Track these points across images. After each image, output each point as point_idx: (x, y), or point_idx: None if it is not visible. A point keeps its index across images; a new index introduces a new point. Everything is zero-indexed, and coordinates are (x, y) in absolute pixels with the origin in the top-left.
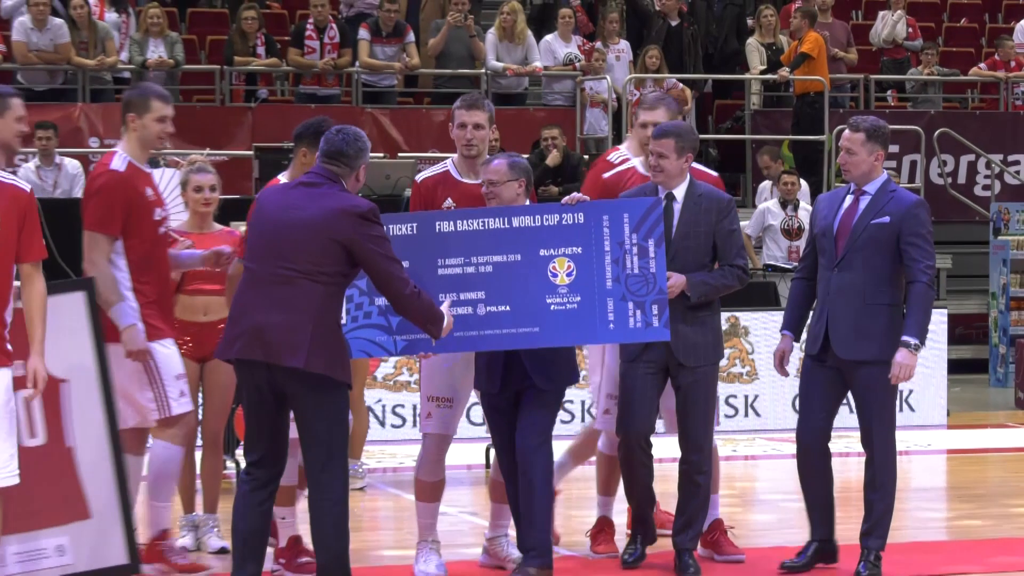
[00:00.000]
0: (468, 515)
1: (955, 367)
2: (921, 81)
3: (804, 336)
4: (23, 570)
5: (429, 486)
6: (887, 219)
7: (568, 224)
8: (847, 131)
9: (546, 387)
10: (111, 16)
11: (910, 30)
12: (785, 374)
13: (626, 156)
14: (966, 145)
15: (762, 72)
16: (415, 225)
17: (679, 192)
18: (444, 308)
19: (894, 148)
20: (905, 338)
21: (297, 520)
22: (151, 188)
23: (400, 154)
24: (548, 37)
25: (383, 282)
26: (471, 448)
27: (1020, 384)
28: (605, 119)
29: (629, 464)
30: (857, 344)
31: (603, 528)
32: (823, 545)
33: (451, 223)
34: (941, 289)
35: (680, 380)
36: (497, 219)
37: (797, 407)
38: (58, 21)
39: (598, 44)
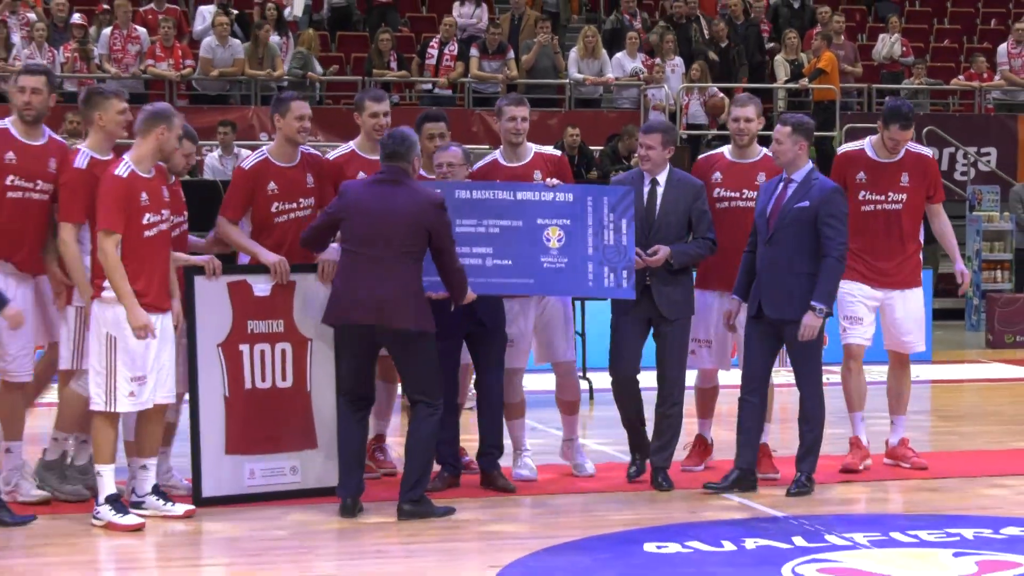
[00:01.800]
0: (555, 429)
1: (938, 315)
2: (912, 89)
3: None
4: (266, 483)
5: (511, 407)
6: (807, 203)
7: (560, 201)
8: (778, 125)
9: (491, 325)
10: (274, 38)
11: (904, 49)
12: (732, 330)
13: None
14: (948, 140)
15: (786, 82)
16: (440, 192)
17: (662, 178)
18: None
19: None
20: (812, 303)
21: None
22: (364, 172)
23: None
24: (618, 54)
25: (444, 257)
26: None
27: (990, 329)
28: (663, 119)
29: (620, 398)
30: (783, 306)
31: (697, 445)
32: (744, 473)
33: (468, 192)
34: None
35: (662, 330)
36: (504, 192)
37: None
38: (236, 41)
39: (658, 60)
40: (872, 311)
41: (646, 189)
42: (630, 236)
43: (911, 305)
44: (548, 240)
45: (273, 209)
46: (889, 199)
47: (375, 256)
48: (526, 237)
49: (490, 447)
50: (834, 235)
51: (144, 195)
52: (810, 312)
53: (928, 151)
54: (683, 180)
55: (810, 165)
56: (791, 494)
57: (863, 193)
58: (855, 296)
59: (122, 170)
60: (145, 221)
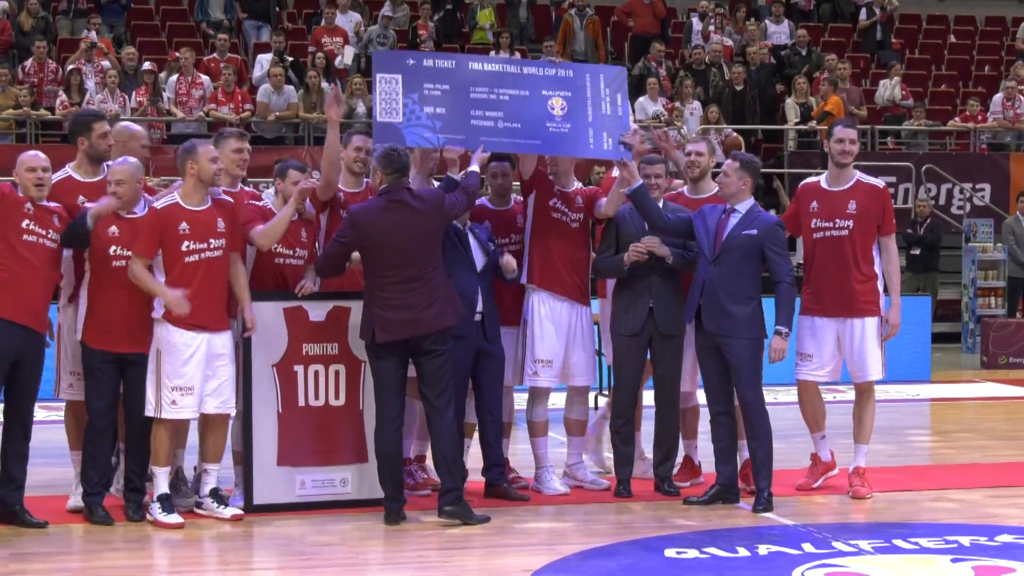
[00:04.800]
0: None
1: (936, 338)
2: (912, 130)
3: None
4: (318, 493)
5: (538, 425)
6: (754, 231)
7: (561, 76)
8: (728, 160)
9: (495, 342)
10: (324, 85)
11: (904, 93)
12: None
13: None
14: (945, 177)
15: (796, 124)
16: (454, 62)
17: (660, 204)
18: (476, 157)
19: (892, 178)
20: (777, 327)
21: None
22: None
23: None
24: (640, 99)
25: (456, 213)
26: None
27: (984, 351)
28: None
29: (618, 424)
30: (722, 321)
31: (685, 464)
32: (724, 488)
33: (480, 64)
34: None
35: (659, 347)
36: (512, 67)
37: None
38: (290, 87)
39: (677, 104)
40: (829, 343)
41: None
42: (625, 108)
43: (857, 334)
44: (552, 108)
45: None
46: (836, 226)
47: (407, 277)
48: (533, 105)
49: (494, 464)
50: (782, 261)
51: (184, 224)
52: (776, 336)
53: (880, 183)
54: (676, 210)
55: (752, 200)
56: (757, 511)
57: (814, 221)
58: (807, 331)
59: (161, 203)
60: (184, 248)
